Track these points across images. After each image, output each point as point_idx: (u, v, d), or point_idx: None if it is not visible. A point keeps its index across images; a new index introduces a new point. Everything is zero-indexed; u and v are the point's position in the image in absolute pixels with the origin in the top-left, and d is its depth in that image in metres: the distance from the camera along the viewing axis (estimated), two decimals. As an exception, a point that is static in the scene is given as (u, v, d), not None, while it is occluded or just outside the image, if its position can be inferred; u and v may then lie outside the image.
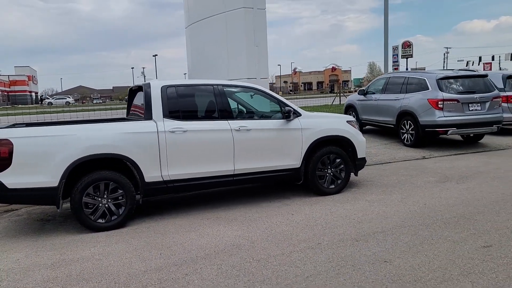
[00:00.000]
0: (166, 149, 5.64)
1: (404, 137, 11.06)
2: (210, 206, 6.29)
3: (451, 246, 4.35)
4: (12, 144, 5.01)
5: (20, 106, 65.21)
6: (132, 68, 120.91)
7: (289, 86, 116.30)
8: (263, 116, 6.57)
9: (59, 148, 5.17)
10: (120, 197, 5.47)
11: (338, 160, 6.73)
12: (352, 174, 7.03)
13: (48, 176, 5.12)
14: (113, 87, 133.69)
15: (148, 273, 4.03)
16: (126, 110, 7.20)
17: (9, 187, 5.04)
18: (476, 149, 10.57)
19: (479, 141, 11.53)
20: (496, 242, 4.40)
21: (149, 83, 5.91)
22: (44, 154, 5.13)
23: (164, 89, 5.87)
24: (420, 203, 5.98)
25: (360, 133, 7.06)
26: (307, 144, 6.46)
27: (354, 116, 13.49)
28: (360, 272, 3.84)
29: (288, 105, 6.47)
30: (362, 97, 13.13)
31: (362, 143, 6.96)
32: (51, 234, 5.38)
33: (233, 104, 6.50)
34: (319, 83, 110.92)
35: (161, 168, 5.63)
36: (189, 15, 11.22)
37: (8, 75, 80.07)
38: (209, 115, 6.12)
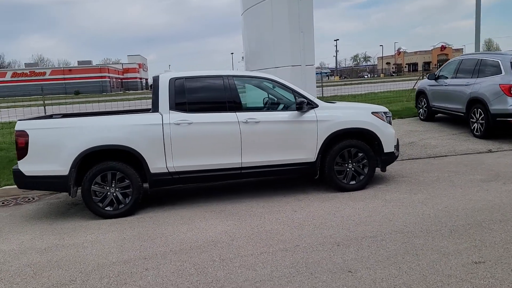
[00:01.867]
0: (171, 141, 5.72)
1: (474, 127, 9.92)
2: (223, 198, 6.29)
3: (437, 259, 3.83)
4: (27, 135, 5.46)
5: (131, 92, 70.90)
6: (232, 53, 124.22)
7: (392, 68, 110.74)
8: (277, 107, 6.33)
9: (69, 139, 5.53)
10: (127, 187, 5.70)
11: (360, 155, 6.26)
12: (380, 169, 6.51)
13: (60, 165, 5.50)
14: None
15: (115, 265, 4.16)
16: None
17: (26, 174, 5.52)
18: (560, 142, 9.12)
19: None
20: (493, 258, 3.77)
21: (158, 76, 6.02)
22: (56, 145, 5.51)
23: (172, 81, 5.93)
24: (442, 205, 5.34)
25: (388, 125, 6.48)
26: (323, 137, 6.10)
27: (425, 103, 12.45)
28: (314, 282, 3.56)
29: (302, 96, 6.15)
30: (433, 82, 12.02)
31: (389, 136, 6.38)
32: (68, 219, 5.80)
33: (250, 96, 6.37)
34: (426, 64, 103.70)
35: (166, 160, 5.74)
36: (243, 1, 11.11)
37: (122, 63, 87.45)
38: (217, 107, 6.04)
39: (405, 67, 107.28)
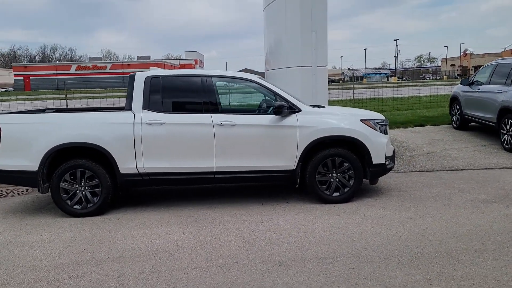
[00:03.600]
0: (142, 141, 5.55)
1: (504, 139, 8.99)
2: (200, 202, 6.05)
3: (375, 292, 3.36)
4: (0, 130, 5.50)
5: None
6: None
7: (457, 70, 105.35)
8: (257, 110, 5.98)
9: (39, 135, 5.50)
10: (96, 186, 5.60)
11: (345, 165, 5.78)
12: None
13: (30, 161, 5.49)
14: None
15: (44, 269, 4.03)
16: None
17: (-3, 168, 5.56)
18: None
19: None
20: (439, 298, 3.25)
21: (134, 74, 5.86)
22: (27, 140, 5.51)
23: (148, 80, 5.76)
24: (421, 227, 4.78)
25: (380, 134, 5.91)
26: (304, 144, 5.68)
27: (458, 111, 11.51)
28: (225, 307, 3.23)
29: (284, 99, 5.76)
30: (467, 87, 11.07)
31: (379, 146, 5.83)
32: (40, 214, 5.80)
33: (235, 97, 6.08)
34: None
35: (136, 160, 5.58)
36: (265, -4, 10.74)
37: (179, 59, 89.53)
38: (193, 108, 5.80)
39: (472, 69, 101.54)
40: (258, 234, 4.77)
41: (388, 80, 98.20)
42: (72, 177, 5.58)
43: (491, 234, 4.51)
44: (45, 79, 74.33)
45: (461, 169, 7.68)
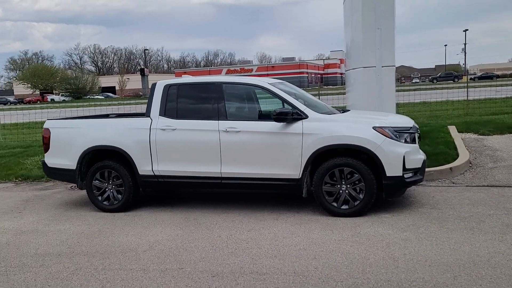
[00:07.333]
0: (156, 145, 5.93)
1: None
2: (215, 207, 6.16)
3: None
4: (50, 133, 6.45)
5: (328, 87, 72.21)
6: (445, 45, 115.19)
7: None
8: (265, 117, 5.83)
9: (77, 138, 6.29)
10: (121, 185, 6.16)
11: (355, 176, 5.30)
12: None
13: (70, 160, 6.31)
14: (435, 65, 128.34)
15: (32, 256, 4.62)
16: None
17: (49, 165, 6.54)
18: None
19: None
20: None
21: (156, 82, 6.25)
22: (68, 143, 6.34)
23: (167, 87, 6.10)
24: (404, 251, 4.17)
25: (397, 143, 5.25)
26: (308, 152, 5.39)
27: None
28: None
29: (291, 105, 5.54)
30: None
31: (394, 157, 5.19)
32: (83, 208, 6.54)
33: (236, 104, 6.14)
34: None
35: (152, 163, 5.99)
36: (343, -9, 10.26)
37: (323, 59, 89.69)
38: (203, 114, 5.91)
39: None
40: (231, 242, 4.72)
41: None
42: (101, 176, 6.23)
43: (480, 267, 3.72)
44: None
45: (542, 186, 6.34)
